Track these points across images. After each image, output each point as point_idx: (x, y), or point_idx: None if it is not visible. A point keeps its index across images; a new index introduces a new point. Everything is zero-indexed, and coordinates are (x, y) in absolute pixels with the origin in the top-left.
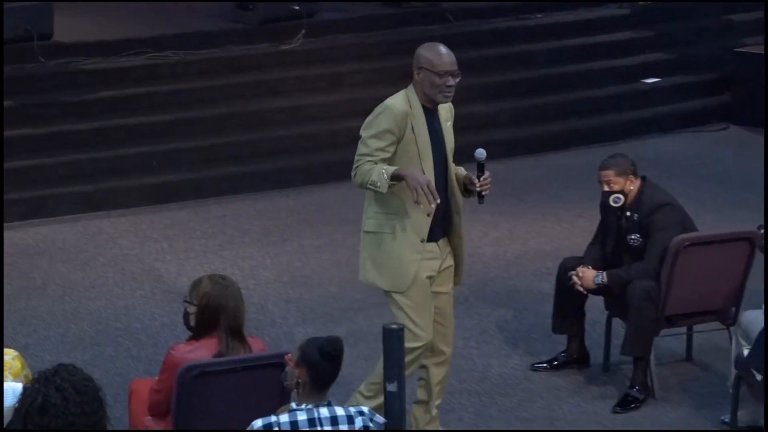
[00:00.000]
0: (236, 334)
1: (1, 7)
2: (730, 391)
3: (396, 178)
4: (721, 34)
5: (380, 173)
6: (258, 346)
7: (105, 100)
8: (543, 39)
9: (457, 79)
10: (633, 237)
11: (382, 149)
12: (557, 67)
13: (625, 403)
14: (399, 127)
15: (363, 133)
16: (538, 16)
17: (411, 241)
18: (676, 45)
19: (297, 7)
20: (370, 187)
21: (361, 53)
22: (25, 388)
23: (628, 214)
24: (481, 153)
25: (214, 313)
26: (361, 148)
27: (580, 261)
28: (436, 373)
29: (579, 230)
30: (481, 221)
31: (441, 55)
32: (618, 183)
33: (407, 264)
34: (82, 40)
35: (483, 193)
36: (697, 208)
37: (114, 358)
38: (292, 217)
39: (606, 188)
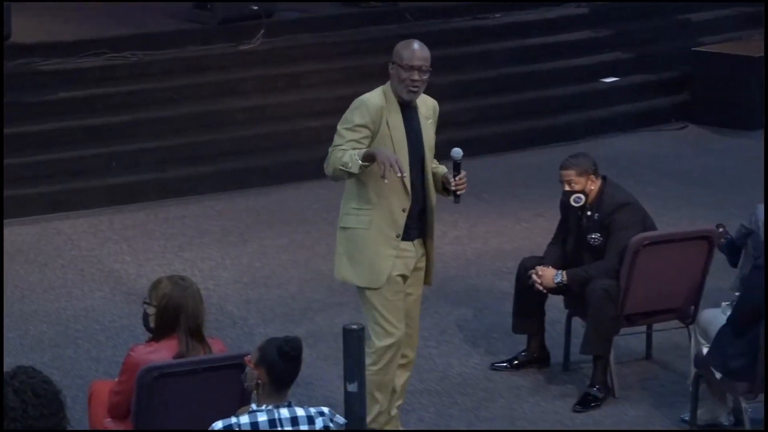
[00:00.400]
0: (196, 335)
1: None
2: (690, 389)
3: (368, 157)
4: (679, 33)
5: (351, 155)
6: (218, 347)
7: (64, 100)
8: (502, 39)
9: (425, 76)
10: (593, 236)
11: (356, 140)
12: (517, 66)
13: (585, 402)
14: (373, 122)
15: (339, 126)
16: (497, 15)
17: (387, 236)
18: (635, 44)
19: (256, 7)
20: (342, 168)
21: (320, 53)
22: None
23: (589, 213)
24: (457, 152)
25: (173, 314)
26: (335, 140)
27: (539, 260)
28: (398, 375)
29: (539, 230)
30: (440, 220)
31: (411, 50)
32: (579, 183)
33: (382, 260)
34: (41, 41)
35: (458, 192)
36: (656, 207)
37: (73, 360)
38: (252, 218)
39: (567, 188)
